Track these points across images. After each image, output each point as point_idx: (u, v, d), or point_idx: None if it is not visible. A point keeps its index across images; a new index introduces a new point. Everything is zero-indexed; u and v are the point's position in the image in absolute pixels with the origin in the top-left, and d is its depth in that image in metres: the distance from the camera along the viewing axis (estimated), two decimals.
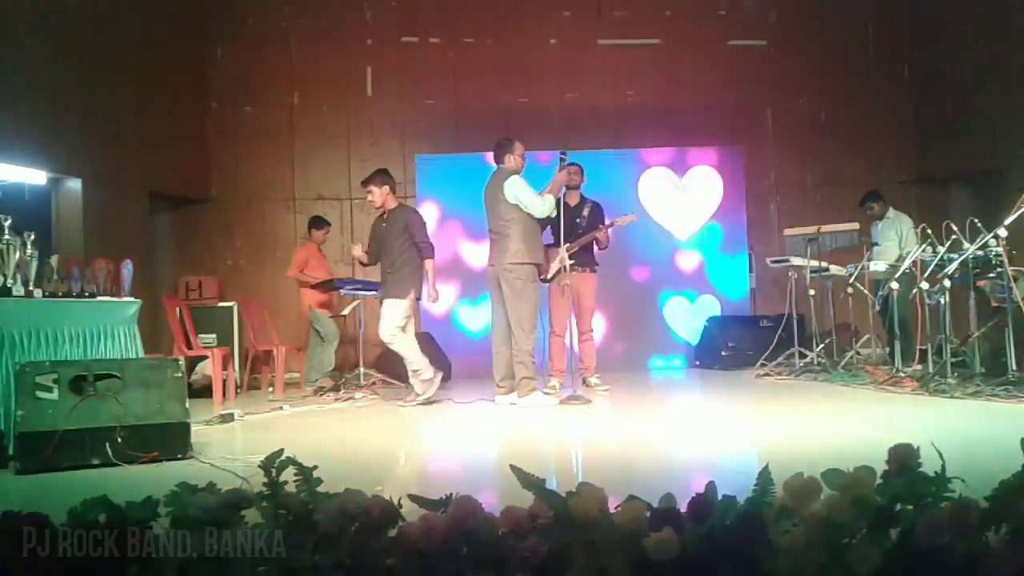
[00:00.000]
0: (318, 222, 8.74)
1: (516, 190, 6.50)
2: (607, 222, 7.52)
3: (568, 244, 6.99)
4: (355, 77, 10.26)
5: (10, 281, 4.87)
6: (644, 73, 10.26)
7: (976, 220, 6.22)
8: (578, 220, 7.34)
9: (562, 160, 6.92)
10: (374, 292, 8.86)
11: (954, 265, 6.21)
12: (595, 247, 7.48)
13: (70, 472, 4.06)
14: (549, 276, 7.15)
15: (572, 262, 6.96)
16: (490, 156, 9.88)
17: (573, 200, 7.41)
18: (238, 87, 10.14)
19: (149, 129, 8.86)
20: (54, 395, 4.22)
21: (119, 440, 4.19)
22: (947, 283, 6.21)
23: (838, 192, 9.91)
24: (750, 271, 9.91)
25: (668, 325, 9.73)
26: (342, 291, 8.28)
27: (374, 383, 8.05)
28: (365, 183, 7.05)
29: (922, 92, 10.32)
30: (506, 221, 6.51)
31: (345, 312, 8.41)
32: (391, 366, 8.74)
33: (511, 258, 6.45)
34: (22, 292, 4.89)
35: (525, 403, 6.38)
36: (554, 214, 6.61)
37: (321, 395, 7.55)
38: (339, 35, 10.23)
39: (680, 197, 9.81)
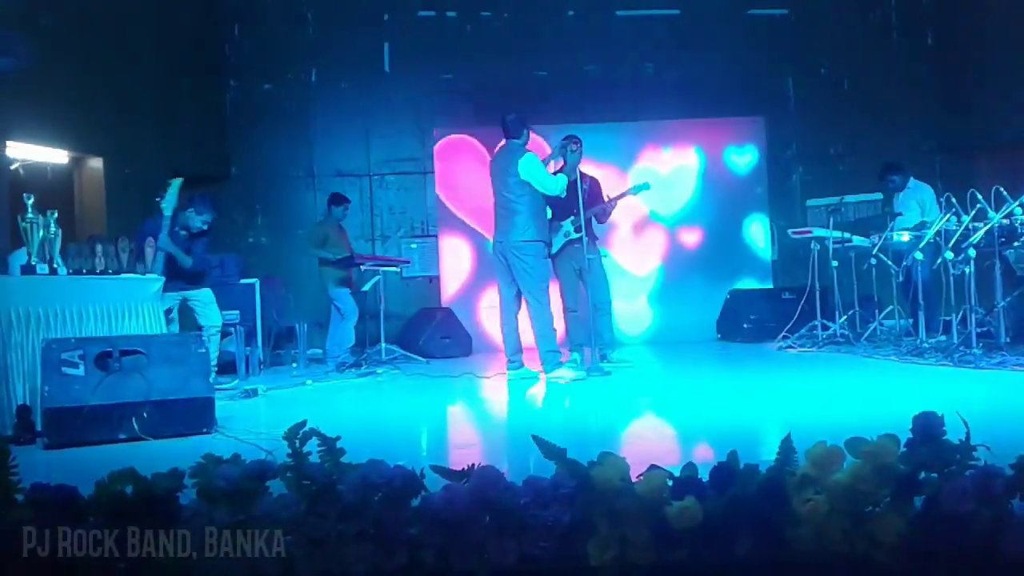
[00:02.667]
0: (337, 198, 8.74)
1: (533, 169, 6.40)
2: (615, 193, 7.34)
3: (573, 216, 6.83)
4: (373, 53, 10.21)
5: (35, 259, 4.91)
6: (663, 44, 10.14)
7: (1002, 189, 6.13)
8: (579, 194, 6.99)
9: (567, 145, 6.88)
10: (394, 268, 8.91)
11: (979, 234, 6.13)
12: (593, 221, 7.25)
13: (97, 446, 4.11)
14: (554, 251, 7.00)
15: (579, 235, 6.80)
16: None
17: (573, 175, 7.06)
18: (256, 64, 10.12)
19: (169, 108, 8.87)
20: (80, 371, 4.27)
21: (144, 415, 4.24)
22: (972, 253, 6.14)
23: (861, 162, 9.78)
24: (772, 243, 9.84)
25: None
26: (362, 267, 8.30)
27: (395, 358, 8.08)
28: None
29: (946, 60, 10.15)
30: (516, 197, 6.41)
31: (366, 288, 8.43)
32: (412, 341, 8.79)
33: (521, 236, 6.35)
34: (47, 270, 4.93)
35: (552, 377, 6.28)
36: (564, 195, 6.51)
37: (343, 370, 7.59)
38: (356, 11, 10.18)
39: (697, 167, 9.74)
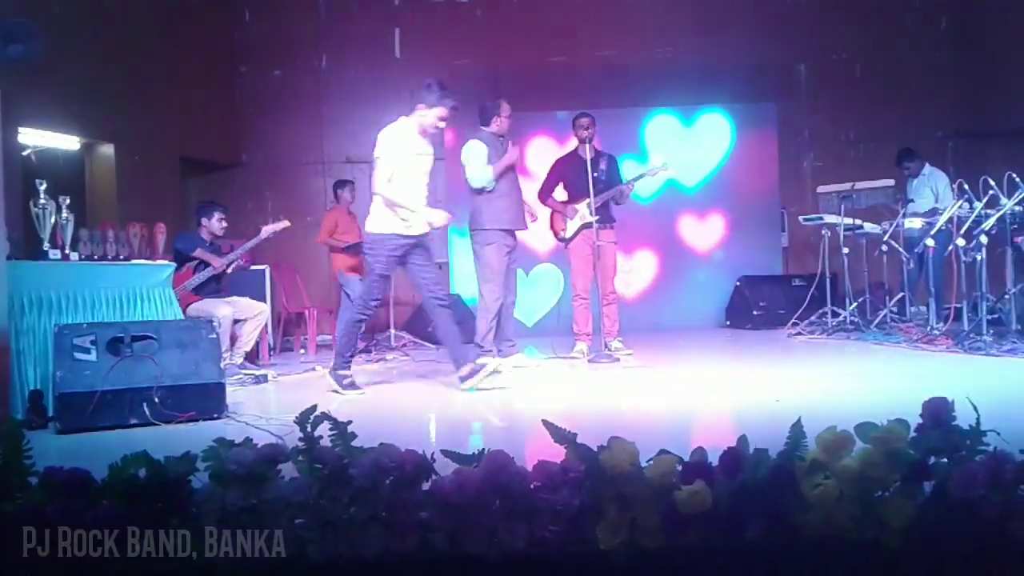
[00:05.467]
0: (341, 183, 8.77)
1: (466, 153, 6.45)
2: (631, 176, 7.19)
3: (589, 200, 6.65)
4: (383, 38, 10.19)
5: (46, 245, 4.95)
6: (678, 29, 10.09)
7: (1015, 175, 6.10)
8: (596, 174, 6.77)
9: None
10: None
11: (991, 221, 6.10)
12: (611, 203, 7.02)
13: (108, 431, 4.14)
14: (568, 235, 6.92)
15: (597, 218, 6.67)
16: (520, 116, 9.79)
17: (589, 154, 6.79)
18: (266, 50, 10.12)
19: (179, 94, 8.89)
20: (92, 356, 4.30)
21: (156, 400, 4.27)
22: (984, 239, 6.11)
23: (873, 148, 9.75)
24: (782, 229, 9.81)
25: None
26: None
27: (404, 344, 8.10)
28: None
29: (960, 45, 10.07)
30: (467, 186, 6.46)
31: None
32: (421, 328, 8.80)
33: (470, 223, 6.42)
34: (59, 256, 4.96)
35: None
36: (489, 187, 6.31)
37: (353, 356, 7.60)
38: None
39: (709, 153, 9.71)
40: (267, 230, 7.14)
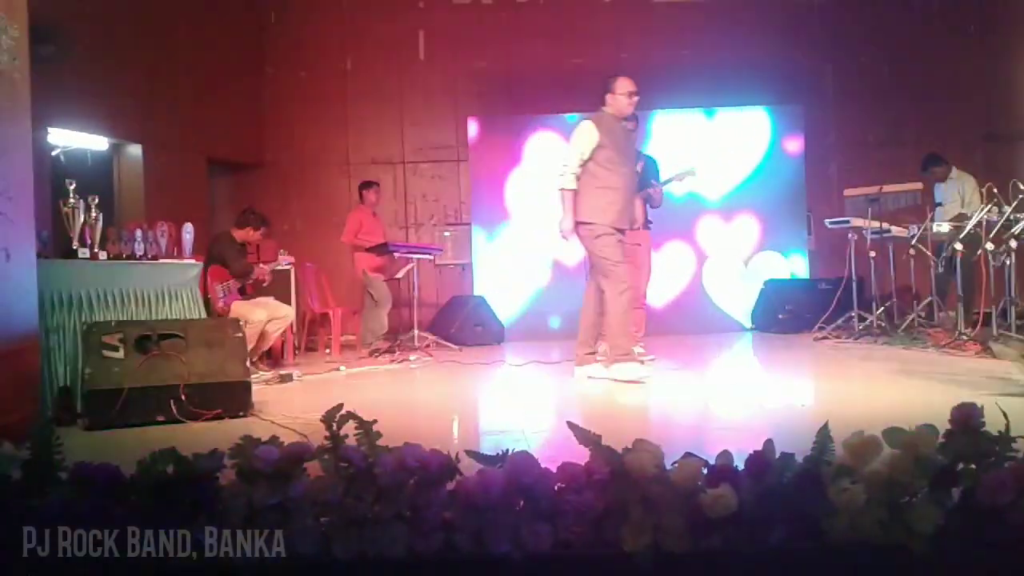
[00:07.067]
0: (366, 184, 8.81)
1: (571, 137, 5.75)
2: (662, 179, 7.07)
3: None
4: (407, 40, 10.24)
5: (76, 244, 5.01)
6: (700, 31, 10.06)
7: None
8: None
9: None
10: (428, 255, 8.95)
11: (1021, 225, 6.04)
12: (648, 205, 6.97)
13: (136, 428, 4.19)
14: None
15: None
16: (544, 118, 9.76)
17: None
18: (292, 52, 10.19)
19: (206, 95, 8.98)
20: (120, 354, 4.35)
21: (183, 398, 4.31)
22: (1013, 244, 6.05)
23: (901, 151, 9.66)
24: (809, 232, 9.74)
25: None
26: (395, 254, 8.34)
27: (428, 345, 8.13)
28: None
29: (989, 48, 9.97)
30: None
31: (399, 275, 8.47)
32: (444, 328, 8.82)
33: (578, 216, 5.64)
34: (88, 255, 5.02)
35: (613, 373, 5.53)
36: (568, 186, 5.59)
37: (376, 357, 7.64)
38: None
39: (739, 155, 9.66)
40: (287, 260, 7.53)
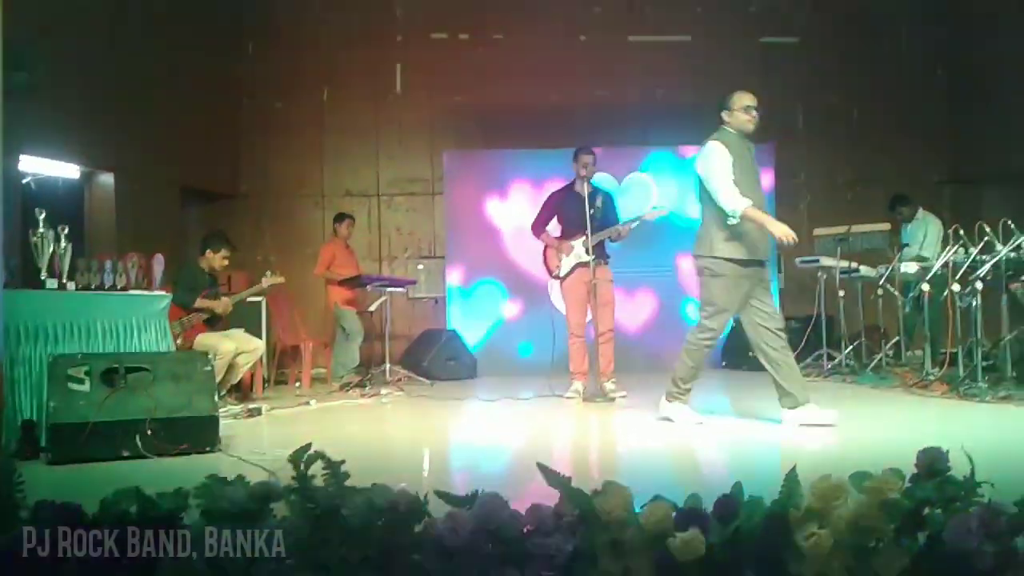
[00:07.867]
0: (339, 217, 8.81)
1: (704, 161, 5.06)
2: (634, 216, 7.06)
3: (585, 238, 6.57)
4: (384, 73, 10.30)
5: (44, 274, 4.94)
6: (674, 70, 10.20)
7: (1010, 222, 6.14)
8: (591, 211, 6.57)
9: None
10: (401, 288, 8.93)
11: (986, 267, 6.13)
12: (607, 240, 6.89)
13: (100, 463, 4.11)
14: (563, 273, 6.86)
15: (593, 257, 6.57)
16: (519, 153, 9.74)
17: (585, 190, 6.60)
18: (269, 83, 10.21)
19: (181, 124, 8.93)
20: (86, 387, 4.28)
21: (149, 432, 4.24)
22: (979, 285, 6.14)
23: (869, 192, 9.81)
24: (778, 271, 9.83)
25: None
26: (368, 287, 8.32)
27: (400, 379, 8.08)
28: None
29: (957, 91, 10.19)
30: (697, 199, 5.22)
31: (372, 308, 8.44)
32: (416, 362, 8.78)
33: (698, 249, 5.15)
34: (55, 285, 4.96)
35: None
36: (733, 219, 4.92)
37: (347, 391, 7.59)
38: (369, 31, 10.27)
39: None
40: (267, 282, 7.24)
